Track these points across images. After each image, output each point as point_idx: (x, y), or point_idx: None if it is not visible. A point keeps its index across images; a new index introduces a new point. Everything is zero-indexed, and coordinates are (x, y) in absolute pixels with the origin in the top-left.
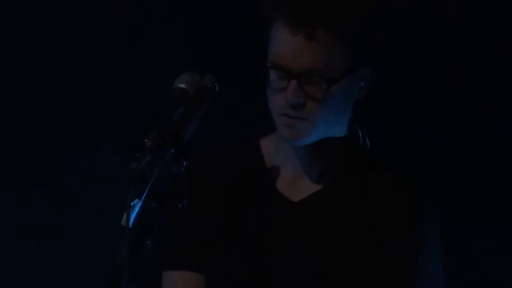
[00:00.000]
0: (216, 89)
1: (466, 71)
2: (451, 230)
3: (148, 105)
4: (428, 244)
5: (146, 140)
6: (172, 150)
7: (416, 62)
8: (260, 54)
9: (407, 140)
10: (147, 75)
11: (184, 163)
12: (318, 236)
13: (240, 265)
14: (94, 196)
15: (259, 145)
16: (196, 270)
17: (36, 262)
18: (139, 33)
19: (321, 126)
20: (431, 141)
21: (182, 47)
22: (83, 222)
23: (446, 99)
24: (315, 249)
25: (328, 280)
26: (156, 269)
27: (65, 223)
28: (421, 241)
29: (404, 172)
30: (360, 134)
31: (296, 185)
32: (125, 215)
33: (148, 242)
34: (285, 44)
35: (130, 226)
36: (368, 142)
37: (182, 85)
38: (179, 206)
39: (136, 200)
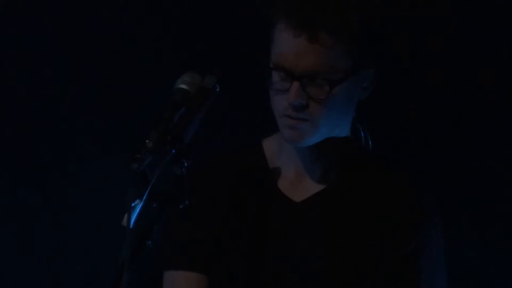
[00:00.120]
0: (217, 90)
1: (467, 71)
2: (451, 230)
3: (149, 105)
4: (430, 244)
5: (147, 141)
6: (173, 151)
7: (418, 63)
8: (263, 55)
9: (409, 141)
10: (147, 75)
11: (185, 164)
12: (320, 236)
13: (243, 265)
14: (95, 196)
15: (261, 145)
16: (197, 270)
17: (36, 262)
18: (139, 33)
19: (324, 127)
20: (433, 142)
21: (183, 47)
22: (83, 222)
23: (449, 100)
24: (317, 249)
25: (330, 280)
26: (158, 269)
27: (65, 223)
28: (424, 241)
29: (407, 173)
30: (363, 135)
31: (299, 185)
32: (126, 216)
33: (149, 242)
34: (288, 45)
35: (131, 226)
36: (370, 143)
37: (183, 86)
38: (180, 206)
39: (137, 201)
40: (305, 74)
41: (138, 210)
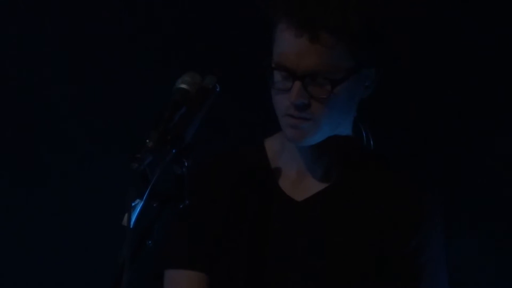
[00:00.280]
0: (218, 89)
1: (467, 71)
2: (451, 230)
3: (149, 105)
4: (431, 244)
5: (147, 141)
6: (174, 151)
7: (418, 63)
8: (264, 55)
9: (410, 140)
10: (147, 75)
11: (186, 164)
12: (322, 235)
13: (244, 264)
14: (95, 196)
15: (263, 145)
16: (198, 269)
17: (36, 262)
18: (139, 33)
19: (326, 126)
20: (433, 142)
21: (183, 47)
22: (83, 222)
23: (449, 100)
24: (318, 248)
25: (331, 280)
26: (159, 268)
27: (65, 223)
28: (425, 241)
29: (408, 172)
30: (364, 134)
31: (300, 184)
32: (126, 216)
33: (149, 242)
34: (289, 45)
35: (131, 226)
36: (372, 142)
37: (183, 86)
38: (181, 206)
39: (137, 201)
40: (306, 74)
41: (138, 209)
